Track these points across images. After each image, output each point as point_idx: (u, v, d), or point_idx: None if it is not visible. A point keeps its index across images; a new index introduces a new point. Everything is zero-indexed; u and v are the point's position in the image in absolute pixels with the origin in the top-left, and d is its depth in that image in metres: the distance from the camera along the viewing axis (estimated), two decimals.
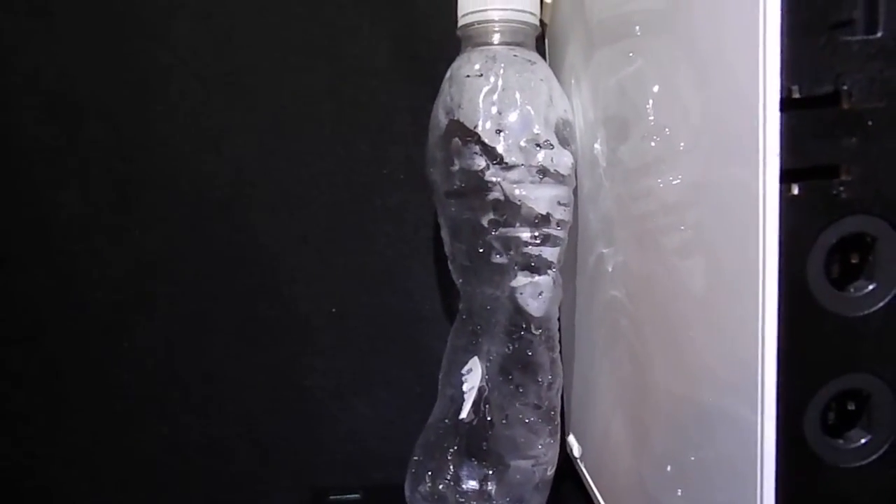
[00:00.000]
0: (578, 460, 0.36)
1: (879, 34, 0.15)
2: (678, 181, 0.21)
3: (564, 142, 0.30)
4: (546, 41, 0.37)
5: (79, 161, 0.38)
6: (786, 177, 0.16)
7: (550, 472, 0.32)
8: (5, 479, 0.40)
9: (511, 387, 0.30)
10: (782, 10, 0.15)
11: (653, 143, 0.23)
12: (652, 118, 0.24)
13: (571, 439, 0.37)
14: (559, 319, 0.33)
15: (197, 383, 0.41)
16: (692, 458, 0.21)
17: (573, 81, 0.32)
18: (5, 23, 0.37)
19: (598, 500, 0.33)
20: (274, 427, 0.41)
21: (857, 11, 0.15)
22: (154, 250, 0.39)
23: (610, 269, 0.29)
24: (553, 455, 0.32)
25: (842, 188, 0.16)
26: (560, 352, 0.33)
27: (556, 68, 0.34)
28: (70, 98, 0.38)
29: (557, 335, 0.32)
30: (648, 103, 0.24)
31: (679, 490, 0.23)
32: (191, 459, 0.41)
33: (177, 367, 0.41)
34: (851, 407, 0.17)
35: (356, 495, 0.39)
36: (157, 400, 0.41)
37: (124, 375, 0.40)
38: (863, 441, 0.16)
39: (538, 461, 0.31)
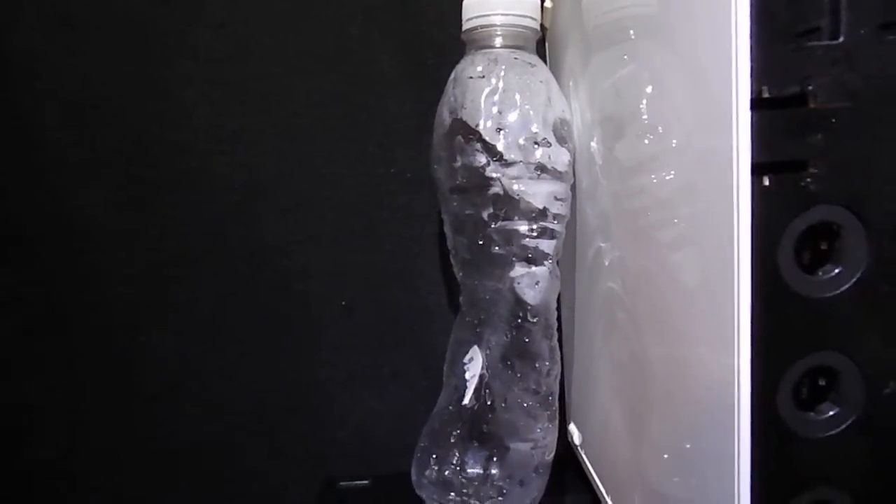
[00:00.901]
0: (579, 448, 0.37)
1: (842, 40, 0.17)
2: (662, 178, 0.23)
3: (562, 140, 0.31)
4: (546, 44, 0.38)
5: (99, 164, 0.40)
6: (758, 170, 0.17)
7: (549, 456, 0.33)
8: (26, 469, 0.42)
9: (510, 373, 0.32)
10: (752, 17, 0.17)
11: (646, 141, 0.25)
12: (643, 118, 0.25)
13: (572, 427, 0.38)
14: (559, 310, 0.34)
15: (212, 377, 0.42)
16: (686, 443, 0.23)
17: (571, 83, 0.34)
18: (31, 33, 0.39)
19: (597, 485, 0.34)
20: (287, 419, 0.43)
21: (822, 20, 0.17)
22: (170, 249, 0.41)
23: (607, 262, 0.30)
24: (552, 440, 0.33)
25: (809, 180, 0.17)
26: (560, 342, 0.34)
27: (555, 70, 0.36)
28: (90, 104, 0.40)
29: (556, 325, 0.33)
30: (637, 104, 0.25)
31: (669, 467, 0.24)
32: (207, 450, 0.43)
33: (192, 362, 0.42)
34: (822, 383, 0.18)
35: (365, 482, 0.40)
36: (173, 394, 0.42)
37: (142, 370, 0.42)
38: (831, 413, 0.18)
39: (537, 444, 0.32)
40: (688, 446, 0.22)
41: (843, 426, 0.18)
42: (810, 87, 0.17)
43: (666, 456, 0.25)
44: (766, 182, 0.17)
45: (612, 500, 0.32)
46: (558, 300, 0.34)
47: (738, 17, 0.17)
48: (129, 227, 0.41)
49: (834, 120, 0.17)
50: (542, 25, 0.34)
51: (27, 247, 0.41)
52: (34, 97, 0.40)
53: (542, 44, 0.36)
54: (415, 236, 0.42)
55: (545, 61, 0.37)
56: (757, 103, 0.17)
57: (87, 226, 0.41)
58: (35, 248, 0.41)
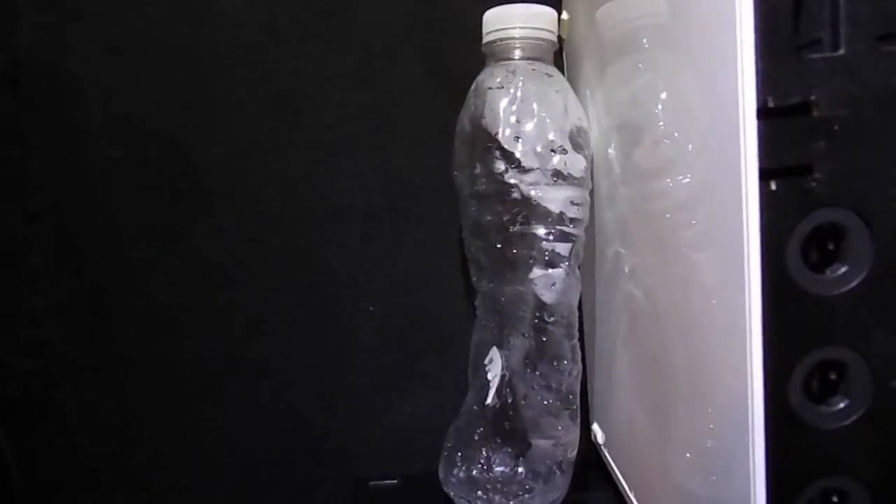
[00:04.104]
0: (602, 446, 0.38)
1: (842, 52, 0.18)
2: (679, 181, 0.24)
3: (578, 147, 0.33)
4: (564, 54, 0.39)
5: (145, 178, 0.43)
6: (765, 175, 0.18)
7: (572, 453, 0.34)
8: (78, 464, 0.45)
9: (531, 372, 0.33)
10: (756, 31, 0.18)
11: (663, 146, 0.26)
12: (660, 124, 0.26)
13: (595, 427, 0.39)
14: (580, 311, 0.35)
15: (251, 379, 0.44)
16: (704, 436, 0.24)
17: (588, 91, 0.35)
18: (82, 58, 0.42)
19: (621, 483, 0.35)
20: (320, 419, 0.45)
21: (822, 32, 0.18)
22: (211, 258, 0.43)
23: (626, 264, 0.31)
24: (573, 437, 0.34)
25: (814, 184, 0.18)
26: (582, 342, 0.35)
27: (572, 79, 0.37)
28: (138, 123, 0.42)
29: (576, 325, 0.34)
30: (653, 111, 0.26)
31: (689, 460, 0.25)
32: (246, 449, 0.45)
33: (233, 363, 0.44)
34: (833, 376, 0.19)
35: (394, 481, 0.42)
36: (215, 394, 0.44)
37: (186, 371, 0.44)
38: (841, 406, 0.19)
39: (558, 441, 0.33)
40: (707, 440, 0.23)
41: (854, 418, 0.18)
42: (813, 97, 0.18)
43: (686, 449, 0.26)
44: (774, 187, 0.18)
45: (635, 496, 0.33)
46: (580, 301, 0.35)
47: (743, 32, 0.18)
48: (173, 236, 0.43)
49: (836, 127, 0.18)
50: (559, 36, 0.35)
51: (78, 256, 0.43)
52: (86, 117, 0.42)
53: (559, 54, 0.38)
54: (441, 242, 0.43)
55: (562, 71, 0.38)
56: (763, 113, 0.18)
57: (134, 235, 0.43)
58: (85, 257, 0.44)
